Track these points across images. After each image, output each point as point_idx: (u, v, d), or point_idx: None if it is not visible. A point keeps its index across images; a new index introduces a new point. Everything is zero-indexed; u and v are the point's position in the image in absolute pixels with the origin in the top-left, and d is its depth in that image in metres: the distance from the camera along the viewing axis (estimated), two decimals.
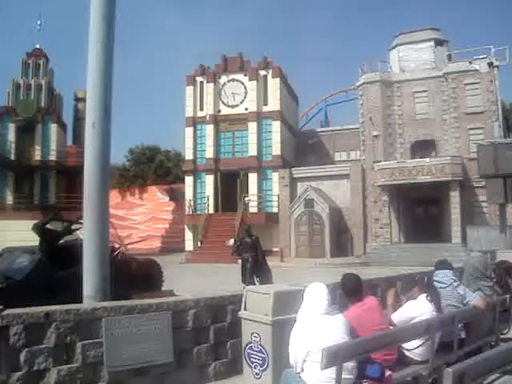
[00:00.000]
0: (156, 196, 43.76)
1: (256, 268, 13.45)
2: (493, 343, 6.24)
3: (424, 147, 31.60)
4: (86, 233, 6.34)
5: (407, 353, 5.04)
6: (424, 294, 5.32)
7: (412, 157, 31.08)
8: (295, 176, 33.17)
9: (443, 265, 6.25)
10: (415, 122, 31.94)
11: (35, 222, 9.37)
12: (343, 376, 3.91)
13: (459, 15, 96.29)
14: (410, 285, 5.64)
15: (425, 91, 31.94)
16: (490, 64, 30.16)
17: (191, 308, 6.01)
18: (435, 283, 5.75)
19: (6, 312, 4.88)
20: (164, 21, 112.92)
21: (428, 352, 4.97)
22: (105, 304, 5.58)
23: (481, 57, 30.82)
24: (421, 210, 31.30)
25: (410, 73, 32.44)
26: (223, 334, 6.24)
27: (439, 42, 32.72)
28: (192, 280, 9.88)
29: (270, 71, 35.33)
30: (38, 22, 40.95)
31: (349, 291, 4.90)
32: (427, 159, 29.01)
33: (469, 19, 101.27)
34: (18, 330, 4.82)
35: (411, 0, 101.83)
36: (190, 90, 36.29)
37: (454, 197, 27.95)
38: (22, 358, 4.81)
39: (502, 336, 6.57)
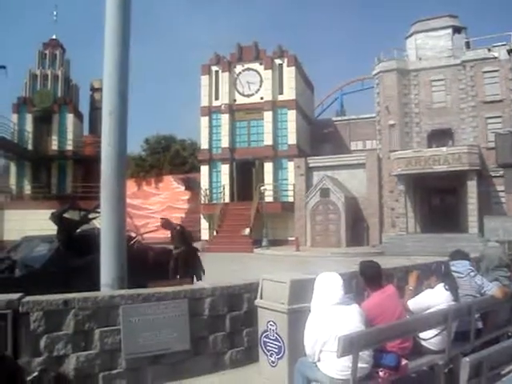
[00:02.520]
0: (172, 185, 43.85)
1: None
2: (510, 334, 6.20)
3: (441, 136, 31.26)
4: (103, 221, 6.39)
5: (423, 342, 5.04)
6: (441, 284, 5.30)
7: (429, 146, 30.78)
8: (311, 165, 33.06)
9: (459, 255, 6.21)
10: (432, 110, 31.61)
11: (53, 211, 9.49)
12: (359, 365, 3.93)
13: (478, 1, 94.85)
14: (427, 274, 5.61)
15: (442, 79, 31.53)
16: (510, 51, 29.64)
17: (208, 296, 6.05)
18: (453, 273, 5.71)
19: (26, 299, 4.96)
20: (179, 9, 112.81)
21: (444, 341, 4.96)
22: (122, 292, 5.64)
23: (500, 44, 30.32)
24: (437, 200, 31.07)
25: (427, 61, 32.05)
26: (239, 322, 6.27)
27: (457, 30, 32.22)
28: (208, 269, 9.94)
29: (286, 60, 35.13)
30: (54, 13, 41.14)
31: (369, 278, 4.90)
32: (444, 148, 28.71)
33: (487, 5, 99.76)
34: (38, 316, 4.89)
35: None
36: (205, 79, 36.25)
37: (471, 186, 27.68)
38: (42, 343, 4.89)
39: None
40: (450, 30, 32.07)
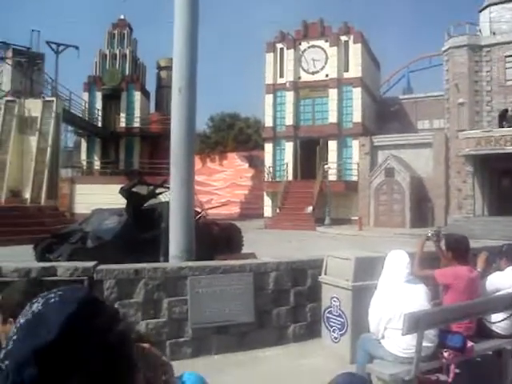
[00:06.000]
0: (236, 163, 44.29)
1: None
2: None
3: None
4: (172, 197, 6.58)
5: (491, 325, 4.93)
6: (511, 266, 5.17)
7: (500, 126, 29.57)
8: (376, 144, 32.54)
9: None
10: (505, 88, 30.25)
11: (122, 185, 9.82)
12: (424, 344, 3.91)
13: None
14: (497, 256, 5.48)
15: None
16: None
17: (272, 271, 6.15)
18: None
19: (100, 267, 5.21)
20: None
21: None
22: (190, 264, 5.82)
23: None
24: (507, 182, 29.85)
25: (501, 35, 30.57)
26: (303, 297, 6.35)
27: None
28: (271, 245, 10.03)
29: (352, 37, 34.51)
30: None
31: (463, 252, 4.86)
32: None
33: None
34: (111, 284, 5.14)
35: None
36: (269, 56, 36.15)
37: None
38: None
39: None
40: None
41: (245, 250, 10.23)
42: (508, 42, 30.11)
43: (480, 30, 31.74)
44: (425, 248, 5.47)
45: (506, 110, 29.62)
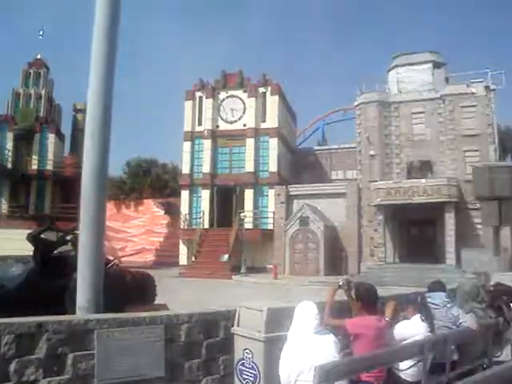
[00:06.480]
0: (152, 209, 43.69)
1: None
2: (485, 366, 6.21)
3: (420, 168, 31.69)
4: (81, 244, 6.32)
5: (399, 373, 5.02)
6: (418, 315, 5.32)
7: (408, 177, 31.15)
8: (291, 193, 33.22)
9: (436, 286, 6.26)
10: (412, 142, 32.09)
11: (29, 231, 9.36)
12: None
13: (458, 40, 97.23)
14: (404, 305, 5.63)
15: (422, 112, 32.11)
16: (487, 87, 30.44)
17: (184, 322, 5.97)
18: (429, 304, 5.74)
19: None
20: (164, 35, 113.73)
21: (420, 373, 4.95)
22: (98, 316, 5.55)
23: (478, 80, 31.10)
24: (416, 231, 31.28)
25: (407, 94, 32.65)
26: (215, 349, 6.19)
27: (437, 65, 32.95)
28: (185, 294, 9.81)
29: (269, 88, 35.56)
30: (40, 32, 41.29)
31: (372, 301, 4.92)
32: (423, 180, 29.10)
33: (467, 44, 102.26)
34: (9, 339, 4.78)
35: (410, 25, 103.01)
36: (188, 104, 36.47)
37: (449, 218, 27.99)
38: (11, 368, 4.75)
39: (494, 359, 6.55)
40: (430, 65, 32.79)
41: (158, 301, 9.94)
42: (413, 101, 32.11)
43: (389, 88, 33.67)
44: (337, 296, 5.53)
45: (414, 163, 31.28)
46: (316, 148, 41.57)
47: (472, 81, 31.21)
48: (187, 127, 36.17)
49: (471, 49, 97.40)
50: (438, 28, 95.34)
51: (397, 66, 33.67)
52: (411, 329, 5.19)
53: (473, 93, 30.72)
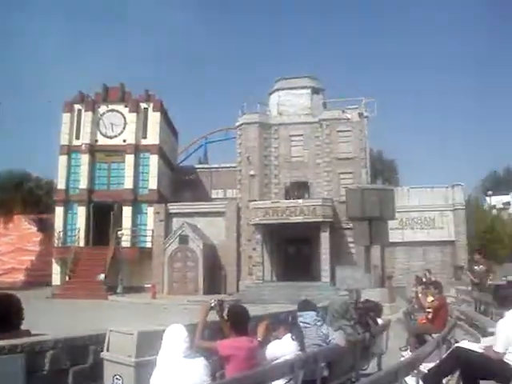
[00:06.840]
0: (23, 226, 41.16)
1: None
2: (353, 379, 6.42)
3: (298, 189, 32.75)
4: None
5: None
6: (289, 334, 5.37)
7: (286, 197, 32.03)
8: (171, 211, 32.87)
9: (306, 305, 6.37)
10: (290, 164, 33.10)
11: None
12: None
13: (337, 66, 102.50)
14: (276, 324, 5.67)
15: (301, 135, 33.29)
16: (361, 114, 32.27)
17: (49, 349, 5.58)
18: (300, 323, 5.83)
19: None
20: (45, 44, 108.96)
21: None
22: None
23: (352, 107, 32.87)
24: (293, 249, 32.13)
25: (287, 117, 33.74)
26: (83, 376, 5.83)
27: (316, 90, 34.40)
28: (55, 317, 9.22)
29: (151, 105, 35.15)
30: None
31: (242, 323, 4.86)
32: (300, 200, 30.05)
33: (345, 70, 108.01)
34: None
35: (292, 51, 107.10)
36: (66, 116, 34.98)
37: (325, 237, 29.06)
38: None
39: (361, 372, 6.79)
40: (309, 90, 34.18)
41: (24, 326, 9.27)
42: (292, 123, 33.26)
43: (270, 110, 34.59)
44: (211, 316, 5.44)
45: (291, 184, 32.28)
46: (197, 166, 41.53)
47: (348, 107, 32.91)
48: (64, 140, 34.63)
49: (349, 75, 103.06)
50: (316, 54, 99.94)
51: (278, 90, 34.72)
52: (282, 348, 5.23)
53: (348, 118, 32.38)
